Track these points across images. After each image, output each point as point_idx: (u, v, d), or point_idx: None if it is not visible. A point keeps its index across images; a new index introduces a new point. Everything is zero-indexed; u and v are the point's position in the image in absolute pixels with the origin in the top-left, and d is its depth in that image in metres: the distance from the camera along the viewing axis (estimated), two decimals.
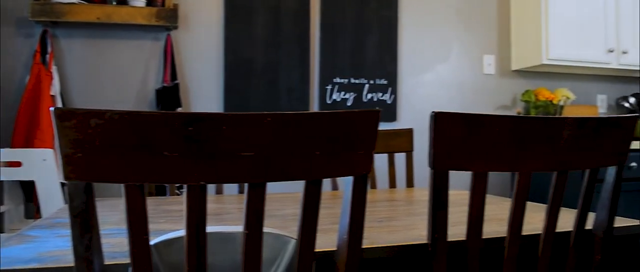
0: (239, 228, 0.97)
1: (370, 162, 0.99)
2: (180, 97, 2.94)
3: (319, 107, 3.13)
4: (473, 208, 1.09)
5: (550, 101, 3.53)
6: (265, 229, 1.01)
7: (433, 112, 1.02)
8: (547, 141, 1.10)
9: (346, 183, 1.01)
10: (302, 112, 0.90)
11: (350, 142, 0.95)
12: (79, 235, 0.84)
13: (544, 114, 3.53)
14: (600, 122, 1.15)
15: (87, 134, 0.80)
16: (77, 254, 0.85)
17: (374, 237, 1.21)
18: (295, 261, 0.96)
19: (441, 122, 1.03)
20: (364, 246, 1.11)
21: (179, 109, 2.87)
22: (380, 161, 3.19)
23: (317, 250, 1.07)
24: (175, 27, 2.97)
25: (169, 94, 2.86)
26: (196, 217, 0.88)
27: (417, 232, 1.27)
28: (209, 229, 0.96)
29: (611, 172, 1.24)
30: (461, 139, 1.04)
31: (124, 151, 0.81)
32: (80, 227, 0.84)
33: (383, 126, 3.29)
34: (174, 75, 2.92)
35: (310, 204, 0.95)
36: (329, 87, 3.15)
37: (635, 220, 1.46)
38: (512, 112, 3.70)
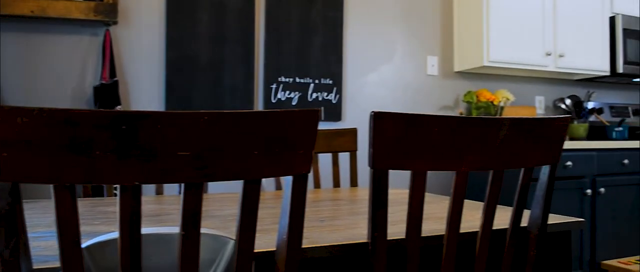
0: (176, 229, 0.95)
1: (309, 161, 0.99)
2: (120, 95, 2.86)
3: (264, 106, 3.11)
4: (412, 207, 1.10)
5: (491, 102, 3.62)
6: (203, 230, 0.99)
7: (373, 112, 1.03)
8: (483, 141, 1.12)
9: (286, 183, 1.00)
10: (240, 111, 0.89)
11: (289, 141, 0.95)
12: (4, 239, 0.81)
13: (485, 114, 3.62)
14: (535, 122, 1.18)
15: (13, 133, 0.76)
16: (2, 258, 0.81)
17: (316, 236, 1.21)
18: (234, 262, 0.95)
19: (380, 122, 1.03)
20: (304, 246, 1.10)
21: (118, 107, 2.80)
22: (324, 160, 3.20)
23: (257, 250, 1.06)
24: (115, 23, 2.89)
25: (107, 92, 2.78)
26: (130, 218, 0.85)
27: (358, 231, 1.28)
28: (144, 230, 0.93)
29: (545, 171, 1.27)
30: (400, 138, 1.05)
31: (53, 151, 0.78)
32: (5, 231, 0.80)
33: (328, 126, 3.30)
34: (113, 73, 2.84)
35: (248, 204, 0.94)
36: (274, 86, 3.13)
37: (568, 217, 1.51)
38: (455, 113, 3.77)
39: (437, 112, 3.70)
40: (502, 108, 3.68)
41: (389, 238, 1.19)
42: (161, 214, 1.49)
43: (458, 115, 3.43)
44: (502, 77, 4.00)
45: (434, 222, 1.41)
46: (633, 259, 3.42)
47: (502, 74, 3.96)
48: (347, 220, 1.43)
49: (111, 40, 2.92)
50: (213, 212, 1.54)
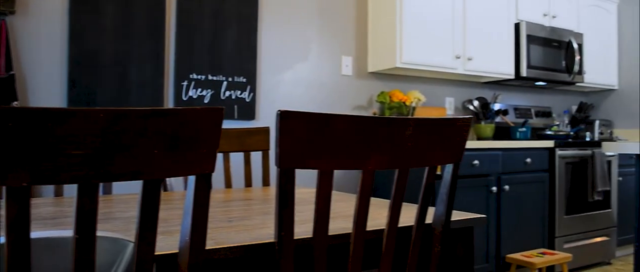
0: (69, 232, 0.90)
1: (213, 161, 0.97)
2: (17, 90, 2.69)
3: (175, 104, 3.02)
4: (319, 206, 1.10)
5: (404, 102, 3.71)
6: (101, 233, 0.95)
7: (279, 111, 1.02)
8: (389, 140, 1.14)
9: (188, 183, 0.97)
10: (139, 109, 0.85)
11: (191, 140, 0.92)
12: None
13: (398, 114, 3.70)
14: (438, 123, 1.21)
15: None
16: None
17: (223, 237, 1.18)
18: (134, 265, 0.91)
19: (287, 121, 1.02)
20: (209, 247, 1.08)
21: (15, 103, 2.63)
22: (236, 159, 3.16)
23: (158, 253, 1.02)
24: (12, 12, 2.71)
25: (3, 86, 2.61)
26: (17, 222, 0.80)
27: (266, 231, 1.26)
28: (34, 234, 0.87)
29: (448, 169, 1.31)
30: (307, 137, 1.05)
31: None
32: None
33: (241, 125, 3.26)
34: (9, 66, 2.67)
35: (148, 205, 0.90)
36: (185, 83, 3.05)
37: (471, 213, 1.56)
38: (369, 113, 3.83)
39: (351, 112, 3.74)
40: (414, 108, 3.78)
41: (296, 237, 1.19)
42: (58, 217, 1.41)
43: (371, 115, 3.47)
44: (414, 78, 4.10)
45: (342, 221, 1.42)
46: (535, 252, 3.60)
47: (414, 75, 4.07)
48: (256, 220, 1.41)
49: (8, 31, 2.74)
50: (116, 213, 1.48)
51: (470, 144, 3.43)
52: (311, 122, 1.04)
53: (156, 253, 1.02)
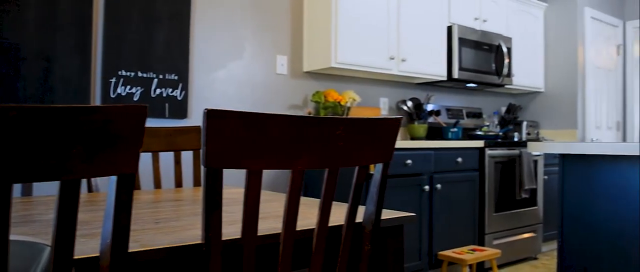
0: None
1: (135, 160, 0.94)
2: None
3: (102, 101, 2.91)
4: (247, 206, 1.09)
5: (338, 102, 3.73)
6: (14, 237, 0.90)
7: (206, 109, 1.00)
8: (319, 140, 1.13)
9: (110, 183, 0.94)
10: (56, 106, 0.81)
11: (112, 139, 0.89)
12: None
13: (333, 114, 3.72)
14: (368, 122, 1.22)
15: None
16: None
17: (148, 239, 1.15)
18: (50, 270, 0.87)
19: (214, 119, 1.00)
20: (132, 250, 1.04)
21: None
22: (166, 159, 3.08)
23: (78, 256, 0.98)
24: None
25: None
26: None
27: (194, 232, 1.24)
28: None
29: (379, 168, 1.32)
30: (235, 137, 1.03)
31: None
32: None
33: (173, 123, 3.19)
34: None
35: (66, 206, 0.86)
36: (113, 80, 2.94)
37: (401, 212, 1.58)
38: (303, 112, 3.83)
39: (286, 112, 3.73)
40: (348, 108, 3.80)
41: (225, 238, 1.17)
42: None
43: (306, 114, 3.46)
44: (349, 78, 4.13)
45: (273, 221, 1.41)
46: (465, 249, 3.69)
47: (350, 75, 4.10)
48: (185, 221, 1.38)
49: None
50: (36, 216, 1.41)
51: (404, 143, 3.49)
52: (239, 121, 1.03)
53: (76, 257, 0.97)
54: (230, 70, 3.49)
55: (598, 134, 5.68)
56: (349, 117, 1.17)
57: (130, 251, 1.03)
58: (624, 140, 6.08)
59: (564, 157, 2.52)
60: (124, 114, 0.89)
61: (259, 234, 1.23)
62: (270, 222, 1.39)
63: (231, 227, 1.29)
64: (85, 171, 0.86)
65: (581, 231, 2.44)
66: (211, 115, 1.00)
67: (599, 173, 2.38)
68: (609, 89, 5.89)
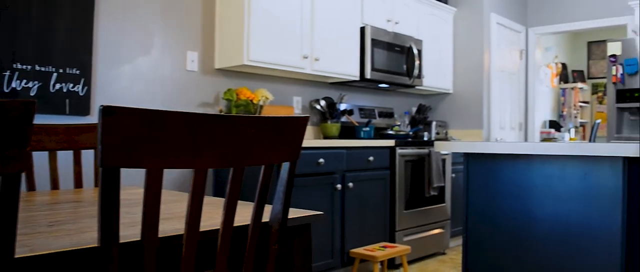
0: None
1: (25, 159, 0.87)
2: None
3: None
4: (147, 206, 1.04)
5: (251, 101, 3.69)
6: None
7: (101, 106, 0.95)
8: (223, 138, 1.10)
9: None
10: None
11: None
12: None
13: (245, 112, 3.67)
14: (275, 121, 1.20)
15: None
16: None
17: (39, 243, 1.07)
18: None
19: (111, 117, 0.95)
20: (20, 255, 0.97)
21: None
22: (65, 158, 2.92)
23: None
24: None
25: None
26: None
27: (91, 235, 1.17)
28: None
29: (285, 167, 1.31)
30: (133, 135, 0.98)
31: None
32: None
33: (74, 120, 3.03)
34: None
35: None
36: (7, 73, 2.72)
37: (308, 211, 1.58)
38: (215, 110, 3.76)
39: (196, 109, 3.65)
40: (261, 107, 3.77)
41: (124, 241, 1.11)
42: None
43: (218, 112, 3.41)
44: (262, 76, 4.10)
45: (177, 222, 1.36)
46: (377, 246, 3.75)
47: (263, 73, 4.06)
48: (82, 223, 1.31)
49: None
50: None
51: (317, 142, 3.50)
52: (137, 119, 0.98)
53: None
54: (138, 65, 3.36)
55: (502, 134, 5.96)
56: (254, 115, 1.14)
57: (17, 256, 0.96)
58: (526, 140, 6.41)
59: (468, 156, 2.61)
60: (9, 110, 0.82)
61: (160, 235, 1.18)
62: (173, 223, 1.34)
63: (132, 229, 1.24)
64: None
65: (485, 226, 2.54)
66: (107, 112, 0.95)
67: (500, 171, 2.48)
68: (512, 92, 6.18)
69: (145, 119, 0.99)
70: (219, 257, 1.18)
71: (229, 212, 1.17)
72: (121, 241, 1.11)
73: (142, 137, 0.99)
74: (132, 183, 3.24)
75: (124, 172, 3.15)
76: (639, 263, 2.13)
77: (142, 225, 1.04)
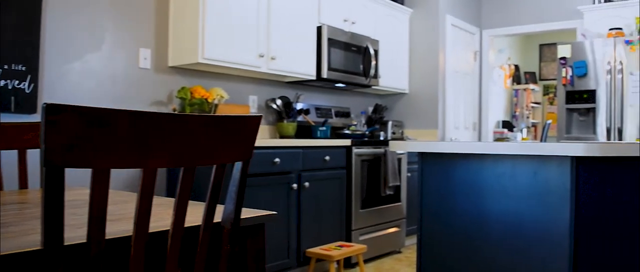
0: None
1: None
2: None
3: None
4: (93, 207, 1.01)
5: (206, 99, 3.64)
6: None
7: (44, 104, 0.91)
8: (173, 138, 1.08)
9: None
10: None
11: None
12: None
13: (200, 111, 3.63)
14: (227, 120, 1.18)
15: None
16: None
17: None
18: None
19: (55, 115, 0.92)
20: None
21: None
22: (9, 157, 2.81)
23: None
24: None
25: None
26: None
27: (35, 237, 1.13)
28: None
29: (238, 167, 1.29)
30: (78, 134, 0.95)
31: None
32: None
33: (20, 118, 2.93)
34: None
35: None
36: None
37: (261, 210, 1.56)
38: (168, 109, 3.70)
39: (149, 108, 3.58)
40: (216, 106, 3.73)
41: (69, 243, 1.08)
42: None
43: (171, 111, 3.36)
44: (217, 75, 4.05)
45: (127, 223, 1.33)
46: (333, 245, 3.76)
47: (218, 72, 4.01)
48: (26, 225, 1.27)
49: None
50: None
51: (272, 142, 3.48)
52: (84, 117, 0.95)
53: None
54: (88, 62, 3.27)
55: (457, 134, 6.06)
56: (205, 114, 1.12)
57: None
58: (480, 139, 6.54)
59: (422, 155, 2.64)
60: None
61: (108, 237, 1.15)
62: (122, 224, 1.31)
63: (79, 231, 1.20)
64: None
65: (438, 225, 2.57)
66: (50, 110, 0.92)
67: (454, 171, 2.52)
68: (467, 92, 6.29)
69: (90, 118, 0.96)
70: (170, 259, 1.16)
71: (180, 212, 1.15)
72: (66, 243, 1.08)
73: (87, 137, 0.96)
74: (82, 183, 3.15)
75: (74, 172, 3.07)
76: (587, 259, 2.20)
77: (88, 227, 1.01)
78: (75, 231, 1.21)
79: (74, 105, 0.94)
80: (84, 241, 1.11)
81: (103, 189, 1.01)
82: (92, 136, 0.97)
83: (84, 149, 0.96)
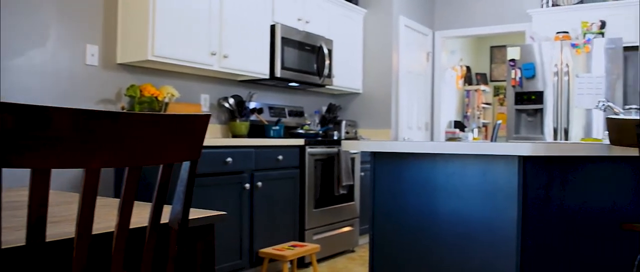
0: None
1: None
2: None
3: None
4: (32, 209, 0.97)
5: (156, 97, 3.56)
6: None
7: None
8: (118, 137, 1.05)
9: None
10: None
11: None
12: None
13: (149, 110, 3.55)
14: (174, 119, 1.15)
15: None
16: None
17: None
18: None
19: None
20: None
21: None
22: None
23: None
24: None
25: None
26: None
27: None
28: None
29: (185, 167, 1.26)
30: (16, 132, 0.91)
31: None
32: None
33: None
34: None
35: None
36: None
37: (210, 211, 1.54)
38: (117, 107, 3.60)
39: (96, 106, 3.48)
40: (166, 104, 3.66)
41: (7, 246, 1.04)
42: None
43: (120, 110, 3.27)
44: (168, 72, 3.97)
45: (69, 224, 1.28)
46: (286, 245, 3.75)
47: (169, 69, 3.94)
48: None
49: None
50: None
51: (225, 141, 3.44)
52: (21, 115, 0.91)
53: None
54: (31, 58, 3.15)
55: (410, 134, 6.13)
56: (151, 112, 1.09)
57: None
58: (432, 139, 6.63)
59: (375, 155, 2.65)
60: None
61: (49, 239, 1.11)
62: (64, 226, 1.26)
63: (19, 233, 1.15)
64: None
65: (390, 224, 2.59)
66: None
67: (406, 170, 2.54)
68: (419, 92, 6.37)
69: (27, 116, 0.92)
70: (115, 261, 1.12)
71: (125, 213, 1.12)
72: (4, 246, 1.03)
73: (24, 135, 0.92)
74: (24, 184, 3.04)
75: (15, 172, 2.95)
76: (533, 256, 2.25)
77: (27, 229, 0.97)
78: (14, 233, 1.16)
79: (9, 102, 0.90)
80: (23, 244, 1.07)
81: (43, 190, 0.97)
82: (29, 135, 0.93)
83: (20, 148, 0.92)
